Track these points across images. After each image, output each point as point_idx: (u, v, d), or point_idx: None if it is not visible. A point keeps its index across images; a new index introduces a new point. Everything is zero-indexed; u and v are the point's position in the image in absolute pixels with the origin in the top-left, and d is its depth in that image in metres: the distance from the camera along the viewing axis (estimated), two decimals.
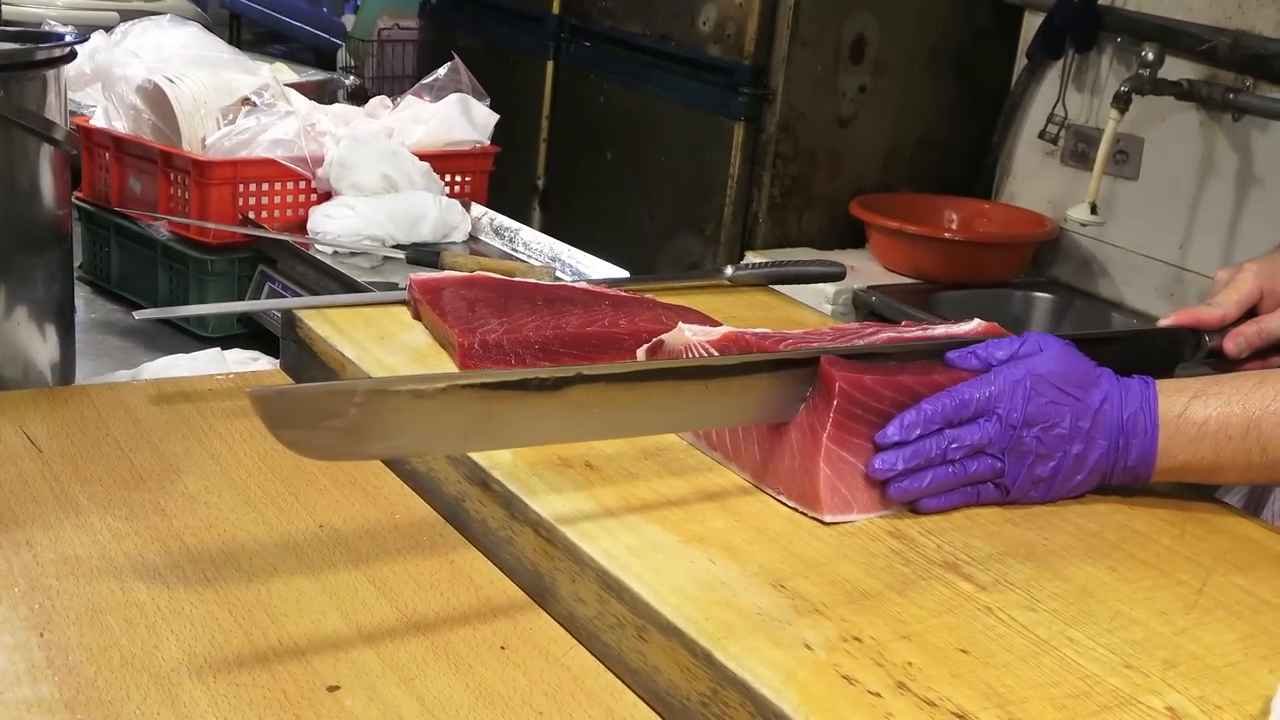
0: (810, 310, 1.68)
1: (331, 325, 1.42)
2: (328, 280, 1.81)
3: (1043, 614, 0.99)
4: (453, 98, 2.09)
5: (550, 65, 3.57)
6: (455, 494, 1.17)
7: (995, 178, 3.09)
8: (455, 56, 2.14)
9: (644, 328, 1.41)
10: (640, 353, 1.28)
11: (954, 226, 3.00)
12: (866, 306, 2.69)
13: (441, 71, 2.14)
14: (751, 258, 2.95)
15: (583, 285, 1.54)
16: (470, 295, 1.44)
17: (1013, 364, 1.13)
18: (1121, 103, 2.53)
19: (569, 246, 1.92)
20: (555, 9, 3.53)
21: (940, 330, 1.27)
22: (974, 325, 1.30)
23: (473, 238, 2.00)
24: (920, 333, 1.26)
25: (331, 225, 1.85)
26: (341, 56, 4.27)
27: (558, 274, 1.80)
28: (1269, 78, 2.53)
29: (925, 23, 3.06)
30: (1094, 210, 2.58)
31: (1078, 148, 2.91)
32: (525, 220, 2.08)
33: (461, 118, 2.08)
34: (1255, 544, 1.13)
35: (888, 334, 1.24)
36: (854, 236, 3.05)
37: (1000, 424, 1.11)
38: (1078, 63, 2.88)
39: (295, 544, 1.12)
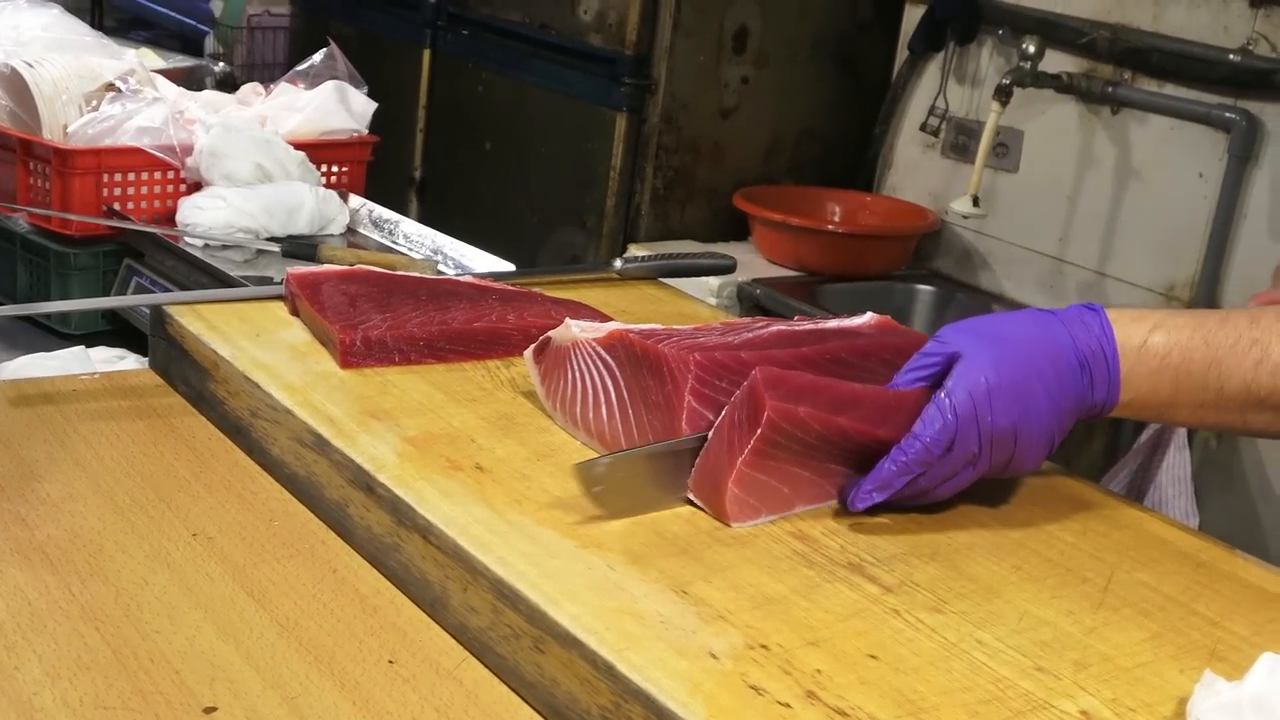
0: (699, 303, 1.64)
1: (204, 322, 1.35)
2: (198, 274, 1.73)
3: (950, 615, 0.96)
4: (329, 85, 2.02)
5: (427, 54, 3.50)
6: (338, 499, 1.12)
7: (877, 170, 3.09)
8: (331, 43, 2.07)
9: (532, 323, 1.37)
10: (528, 353, 1.24)
11: (836, 219, 3.00)
12: (751, 300, 2.67)
13: (317, 58, 2.07)
14: (635, 250, 2.92)
15: (468, 279, 1.49)
16: (351, 290, 1.38)
17: (966, 386, 1.04)
18: (1003, 95, 2.53)
19: (451, 239, 1.87)
20: None
21: (833, 324, 1.25)
22: (866, 319, 1.27)
23: (351, 230, 1.94)
24: (812, 326, 1.23)
25: (202, 217, 1.77)
26: (209, 44, 4.14)
27: (440, 268, 1.74)
28: (1147, 71, 2.56)
29: (807, 14, 3.05)
30: (975, 203, 2.58)
31: (958, 140, 2.91)
32: (402, 212, 2.02)
33: (338, 106, 2.01)
34: (1156, 539, 1.12)
35: (777, 328, 1.21)
36: (737, 229, 3.03)
37: (978, 445, 1.05)
38: (958, 55, 2.89)
39: (167, 555, 1.06)
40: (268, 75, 4.17)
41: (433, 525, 1.01)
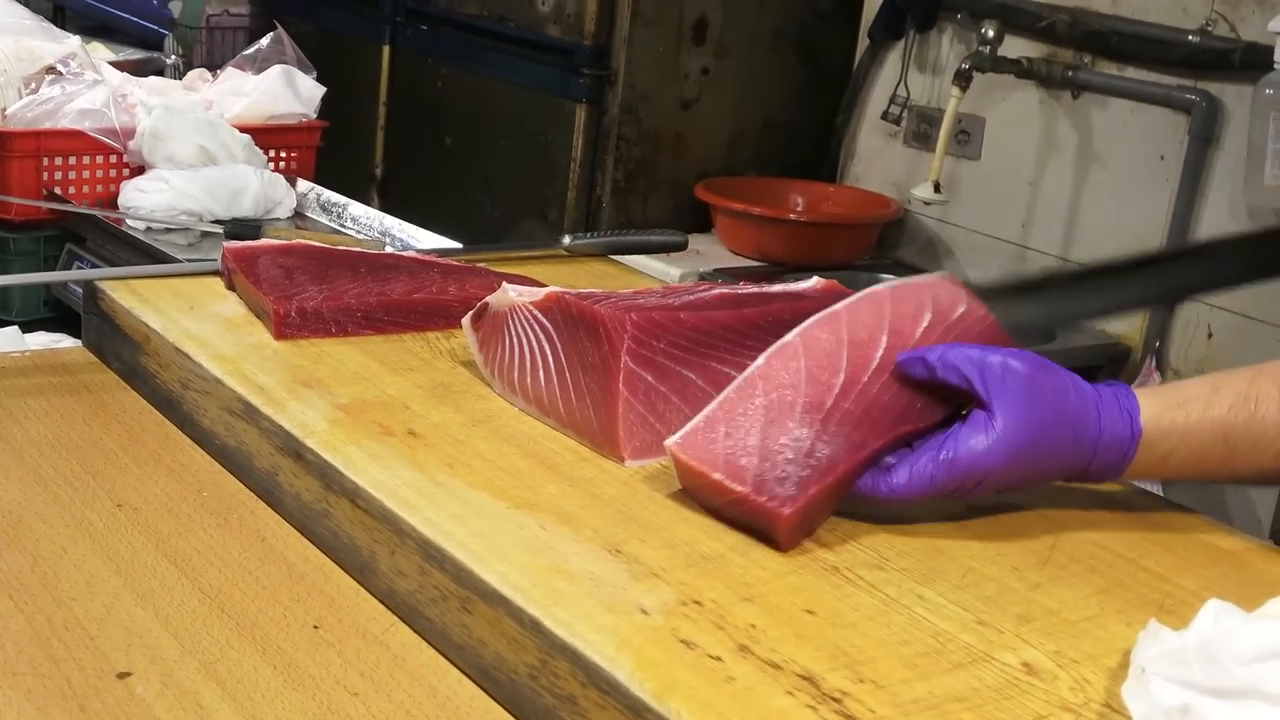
0: (650, 279, 1.61)
1: (136, 296, 1.32)
2: (141, 258, 1.70)
3: (892, 572, 0.93)
4: (276, 69, 2.00)
5: (386, 50, 3.47)
6: (267, 468, 1.09)
7: (839, 160, 3.07)
8: (279, 27, 2.04)
9: (474, 294, 1.34)
10: (466, 320, 1.21)
11: (799, 209, 2.97)
12: None
13: (264, 42, 2.04)
14: None
15: (411, 254, 1.46)
16: (288, 263, 1.35)
17: (973, 454, 0.96)
18: (962, 80, 2.51)
19: (400, 222, 1.84)
20: None
21: (778, 288, 1.23)
22: (812, 283, 1.25)
23: (298, 214, 1.90)
24: (755, 290, 1.21)
25: (144, 200, 1.74)
26: (168, 45, 4.09)
27: (387, 248, 1.71)
28: (1107, 54, 2.54)
29: (767, 4, 3.03)
30: (937, 189, 2.56)
31: (920, 128, 2.89)
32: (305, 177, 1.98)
33: (285, 90, 1.98)
34: (1105, 498, 1.10)
35: (720, 291, 1.18)
36: (699, 220, 3.00)
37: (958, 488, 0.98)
38: (919, 42, 2.87)
39: (89, 525, 1.03)
40: None
41: (360, 489, 0.98)
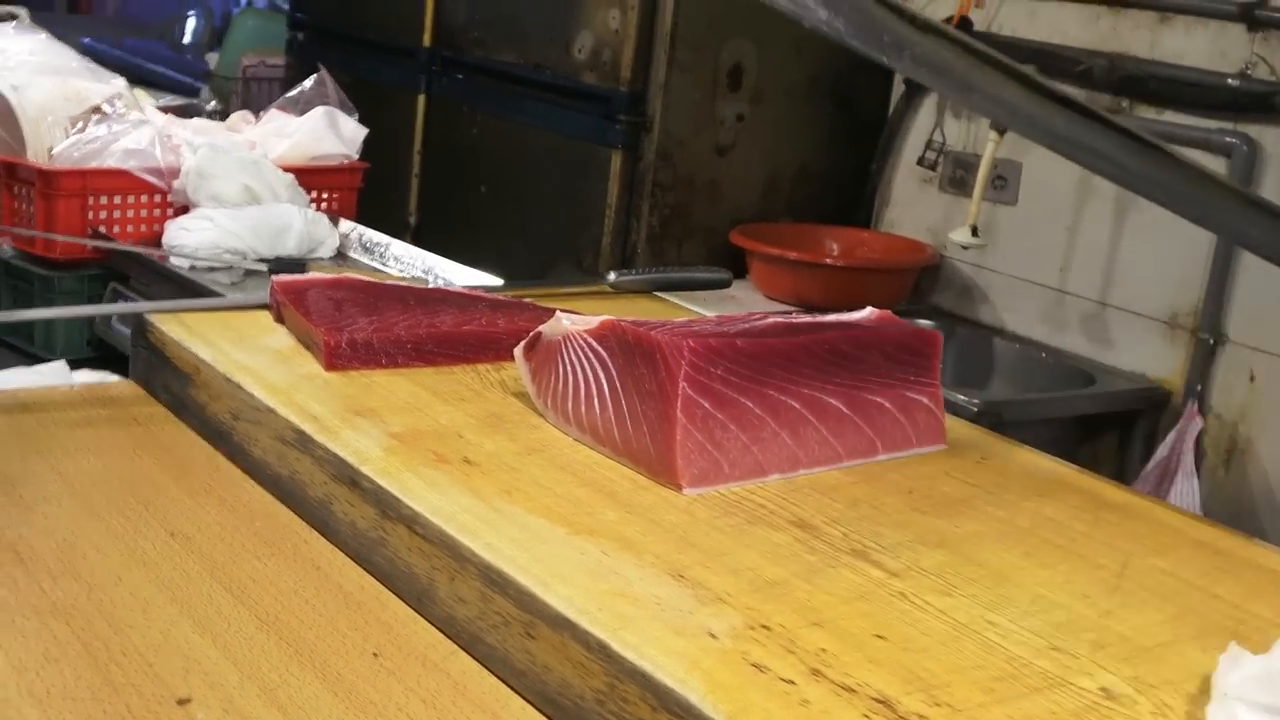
0: (702, 311, 1.60)
1: (185, 329, 1.32)
2: (186, 296, 1.70)
3: (960, 599, 0.92)
4: (319, 110, 2.01)
5: (422, 99, 3.49)
6: (321, 496, 1.08)
7: (874, 206, 3.07)
8: (322, 68, 2.05)
9: (524, 327, 1.33)
10: (518, 350, 1.20)
11: (835, 254, 2.97)
12: None
13: (307, 84, 2.06)
14: None
15: (458, 289, 1.45)
16: (337, 295, 1.35)
17: None
18: (1000, 125, 2.51)
19: (443, 259, 1.84)
20: (426, 41, 3.45)
21: (832, 317, 1.21)
22: (866, 313, 1.24)
23: (341, 254, 1.91)
24: (810, 319, 1.20)
25: (189, 238, 1.75)
26: (204, 94, 4.14)
27: (430, 285, 1.71)
28: (1144, 98, 2.54)
29: (802, 50, 3.04)
30: (975, 232, 2.55)
31: (956, 174, 2.89)
32: (347, 217, 1.98)
33: (328, 131, 1.99)
34: (1170, 528, 1.08)
35: (775, 319, 1.17)
36: (734, 267, 2.97)
37: None
38: None
39: (143, 553, 1.02)
40: None
41: (419, 515, 0.97)
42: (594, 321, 1.13)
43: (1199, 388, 2.44)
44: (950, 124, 2.88)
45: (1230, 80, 2.39)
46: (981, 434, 1.28)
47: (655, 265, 2.96)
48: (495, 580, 0.90)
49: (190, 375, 1.26)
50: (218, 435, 1.22)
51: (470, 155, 3.34)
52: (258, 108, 4.25)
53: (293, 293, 1.35)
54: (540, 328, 1.17)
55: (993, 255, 2.78)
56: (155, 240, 1.81)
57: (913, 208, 2.99)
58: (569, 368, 1.13)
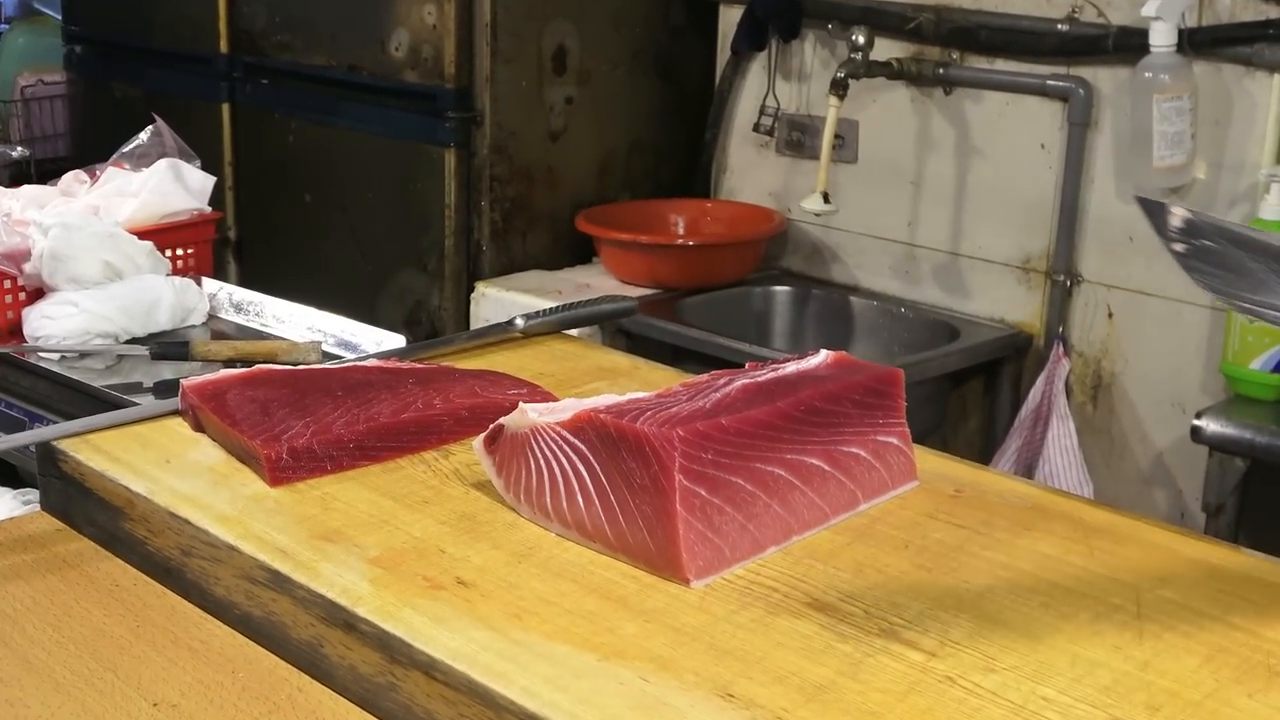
0: (613, 353, 1.57)
1: (103, 455, 1.23)
2: (60, 391, 1.59)
3: (1005, 674, 0.91)
4: (162, 164, 1.89)
5: (226, 108, 3.34)
6: (309, 639, 1.01)
7: (712, 175, 3.05)
8: (156, 119, 1.93)
9: (460, 404, 1.29)
10: (477, 444, 1.15)
11: (681, 230, 2.95)
12: (614, 325, 2.60)
13: (143, 136, 1.94)
14: (484, 288, 2.83)
15: (374, 364, 1.39)
16: (259, 395, 1.27)
17: None
18: (839, 89, 2.52)
19: (323, 313, 1.76)
20: (223, 47, 3.30)
21: (792, 369, 1.19)
22: (822, 358, 1.22)
23: (212, 316, 1.81)
24: (773, 375, 1.17)
25: (54, 327, 1.63)
26: None
27: (325, 349, 1.63)
28: (975, 49, 2.57)
29: (622, 26, 2.99)
30: (826, 199, 2.56)
31: (793, 136, 2.89)
32: (221, 276, 1.89)
33: (175, 185, 1.88)
34: (1161, 549, 1.09)
35: (741, 382, 1.14)
36: (580, 251, 2.97)
37: None
38: (782, 52, 2.86)
39: None
40: (50, 148, 3.96)
41: (436, 661, 0.92)
42: (564, 412, 1.08)
43: (1060, 329, 2.50)
44: (781, 87, 2.88)
45: (1060, 25, 2.44)
46: (939, 458, 1.28)
47: (502, 261, 2.91)
48: None
49: (122, 509, 1.18)
50: (165, 572, 1.14)
51: (288, 164, 3.22)
52: (41, 130, 4.04)
53: (210, 398, 1.27)
54: (502, 420, 1.12)
55: (838, 215, 2.79)
56: (10, 329, 1.69)
57: (751, 173, 2.99)
58: (542, 461, 1.09)
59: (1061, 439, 2.38)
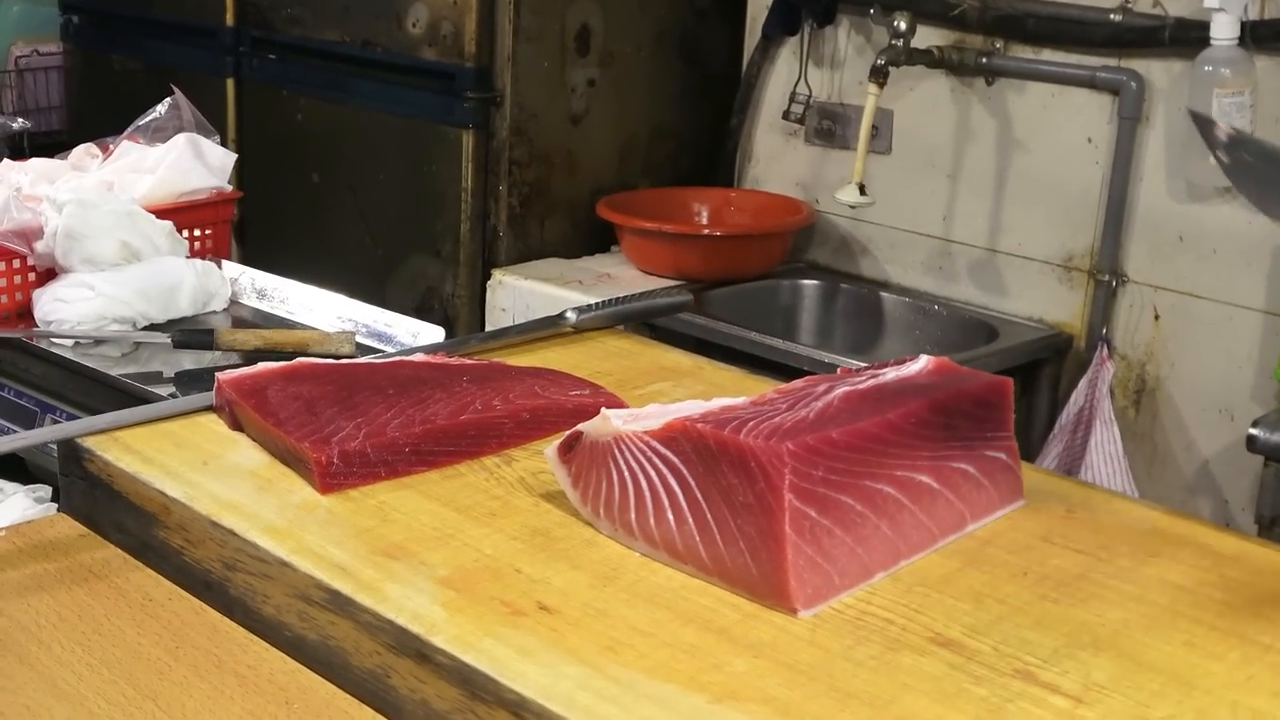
0: (671, 351, 1.47)
1: (134, 455, 1.12)
2: (74, 379, 1.49)
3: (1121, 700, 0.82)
4: (180, 139, 1.78)
5: (231, 84, 3.22)
6: (373, 668, 0.91)
7: (737, 163, 2.95)
8: (176, 90, 1.82)
9: (522, 406, 1.19)
10: (551, 453, 1.05)
11: (704, 219, 2.85)
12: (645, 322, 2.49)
13: (161, 109, 1.82)
14: (500, 276, 2.72)
15: (423, 359, 1.29)
16: (303, 391, 1.17)
17: None
18: (879, 76, 2.42)
19: (349, 300, 1.65)
20: (229, 20, 3.18)
21: (891, 375, 1.09)
22: (923, 364, 1.12)
23: (234, 302, 1.70)
24: (874, 382, 1.07)
25: (68, 311, 1.53)
26: None
27: (359, 340, 1.53)
28: (1020, 38, 2.47)
29: (647, 7, 2.89)
30: (863, 190, 2.46)
31: (823, 125, 2.79)
32: (224, 256, 1.79)
33: (195, 161, 1.77)
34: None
35: (842, 390, 1.04)
36: (599, 239, 2.86)
37: None
38: (815, 37, 2.76)
39: None
40: (44, 121, 3.83)
41: (527, 700, 0.82)
42: (653, 420, 0.98)
43: (1104, 330, 2.41)
44: (814, 74, 2.78)
45: (1113, 15, 2.34)
46: (1043, 475, 1.19)
47: (519, 249, 2.80)
48: None
49: (156, 515, 1.07)
50: (205, 587, 1.04)
51: (296, 143, 3.10)
52: (36, 103, 3.91)
53: (250, 394, 1.16)
54: (582, 427, 1.02)
55: (870, 208, 2.69)
56: (20, 312, 1.58)
57: (778, 163, 2.88)
58: (627, 473, 0.99)
59: (1106, 444, 2.29)
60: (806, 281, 2.75)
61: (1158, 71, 2.32)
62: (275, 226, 3.19)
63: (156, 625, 1.01)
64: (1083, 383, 2.37)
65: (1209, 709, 0.83)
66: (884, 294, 2.69)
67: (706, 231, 2.74)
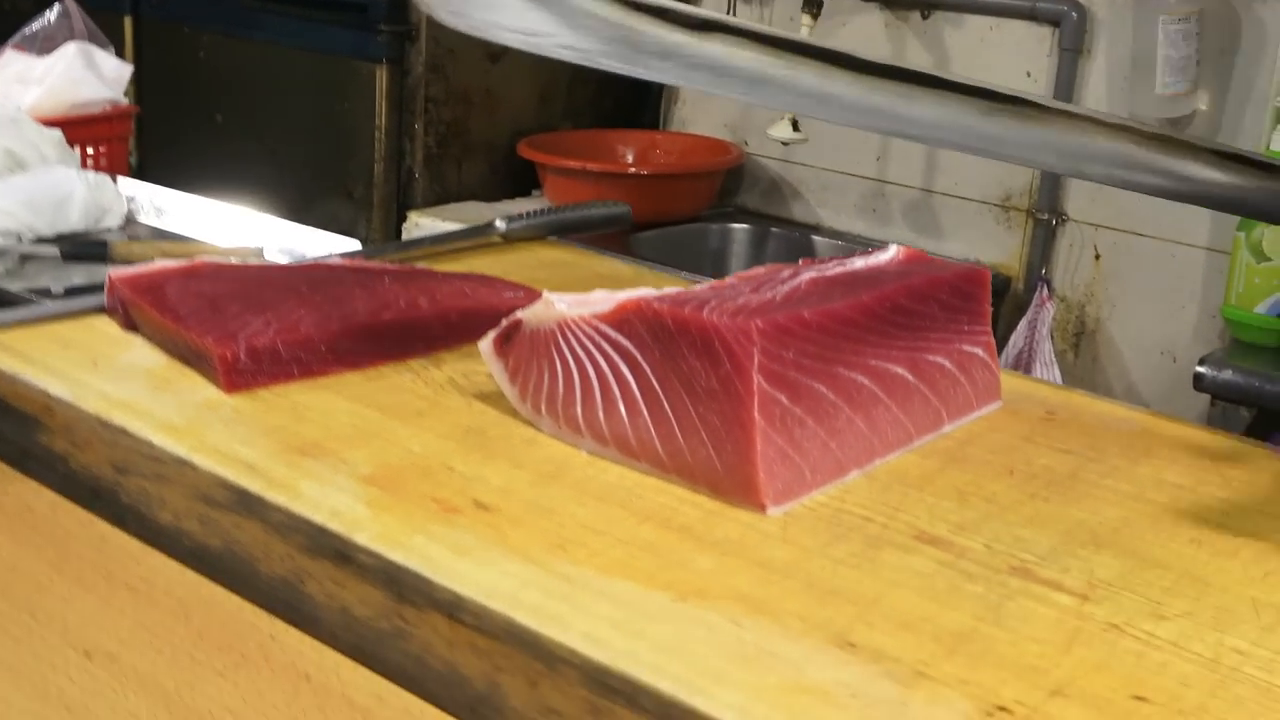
0: (611, 260, 1.37)
1: (14, 355, 1.00)
2: None
3: (1178, 622, 0.73)
4: (70, 47, 1.65)
5: (128, 21, 3.07)
6: (284, 574, 0.80)
7: (663, 105, 2.85)
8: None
9: (449, 306, 1.08)
10: (485, 345, 0.94)
11: (629, 160, 2.75)
12: None
13: (50, 16, 1.68)
14: (416, 218, 2.60)
15: (341, 261, 1.17)
16: (207, 289, 1.05)
17: None
18: (813, 8, 2.33)
19: (266, 215, 1.53)
20: None
21: (861, 264, 1.00)
22: (892, 253, 1.03)
23: (130, 220, 1.57)
24: (843, 269, 0.98)
25: None
26: None
27: (268, 257, 1.41)
28: None
29: None
30: (796, 126, 2.37)
31: None
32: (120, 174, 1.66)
33: (86, 71, 1.64)
34: (1213, 461, 0.93)
35: (809, 275, 0.95)
36: (519, 183, 2.75)
37: None
38: None
39: (59, 691, 0.73)
40: None
41: (464, 600, 0.72)
42: (604, 304, 0.88)
43: (1044, 271, 2.34)
44: (742, 8, 2.68)
45: None
46: (1018, 378, 1.10)
47: (435, 191, 2.68)
48: (618, 688, 0.66)
49: (38, 418, 0.95)
50: (93, 495, 0.92)
51: (199, 82, 2.95)
52: None
53: (146, 291, 1.04)
54: (520, 314, 0.92)
55: (801, 148, 2.61)
56: None
57: (706, 104, 2.79)
58: (572, 363, 0.89)
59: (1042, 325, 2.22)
60: (736, 225, 2.66)
61: (1100, 2, 2.25)
62: (178, 171, 3.04)
63: (37, 538, 0.89)
64: (1022, 324, 2.30)
65: (1224, 604, 0.75)
66: (816, 237, 2.61)
67: (633, 170, 2.64)
